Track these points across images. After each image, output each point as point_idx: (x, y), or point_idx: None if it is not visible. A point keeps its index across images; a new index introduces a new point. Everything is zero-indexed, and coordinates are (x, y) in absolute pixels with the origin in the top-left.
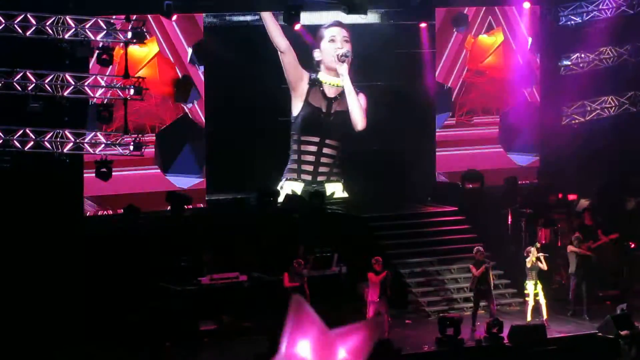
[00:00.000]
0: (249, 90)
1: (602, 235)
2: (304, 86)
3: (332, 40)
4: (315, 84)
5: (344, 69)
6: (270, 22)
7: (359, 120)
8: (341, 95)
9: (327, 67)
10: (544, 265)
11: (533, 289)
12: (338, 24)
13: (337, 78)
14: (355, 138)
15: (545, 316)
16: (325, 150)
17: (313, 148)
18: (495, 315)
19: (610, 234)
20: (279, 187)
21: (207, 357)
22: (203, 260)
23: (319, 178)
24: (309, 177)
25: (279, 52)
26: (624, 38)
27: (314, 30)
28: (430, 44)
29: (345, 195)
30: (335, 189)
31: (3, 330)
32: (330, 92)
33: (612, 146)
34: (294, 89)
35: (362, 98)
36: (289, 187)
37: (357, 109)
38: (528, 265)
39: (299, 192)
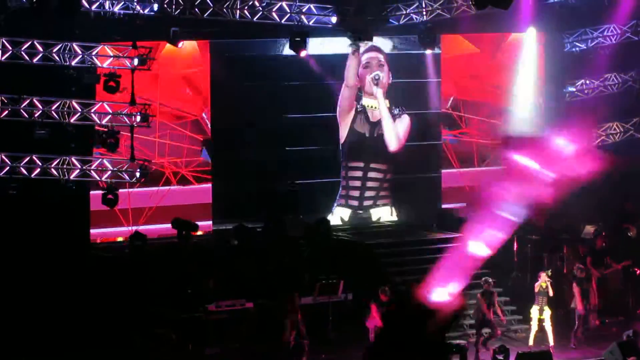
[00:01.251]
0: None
1: (614, 263)
2: (351, 114)
3: (367, 66)
4: (359, 110)
5: (377, 91)
6: (353, 59)
7: (390, 141)
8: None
9: (365, 92)
10: (550, 292)
11: (538, 314)
12: (373, 48)
13: (375, 101)
14: (399, 160)
15: (551, 342)
16: (371, 174)
17: (359, 173)
18: (499, 337)
19: (622, 262)
20: (330, 214)
21: None
22: (208, 287)
23: (366, 202)
24: (355, 203)
25: (343, 85)
26: (628, 64)
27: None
28: (435, 72)
29: (395, 218)
30: (382, 214)
31: (8, 353)
32: (373, 117)
33: (616, 172)
34: (343, 119)
35: (405, 119)
36: (338, 213)
37: (389, 130)
38: (536, 289)
39: (346, 219)
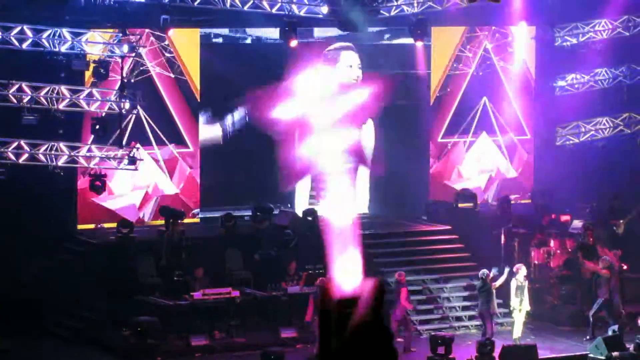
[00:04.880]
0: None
1: (608, 252)
2: None
3: (351, 66)
4: None
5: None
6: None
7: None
8: None
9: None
10: (526, 285)
11: (518, 304)
12: (351, 48)
13: None
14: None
15: (518, 334)
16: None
17: None
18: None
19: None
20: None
21: None
22: (195, 276)
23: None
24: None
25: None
26: (619, 60)
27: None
28: (426, 64)
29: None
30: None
31: None
32: None
33: (605, 167)
34: None
35: (370, 127)
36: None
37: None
38: (518, 283)
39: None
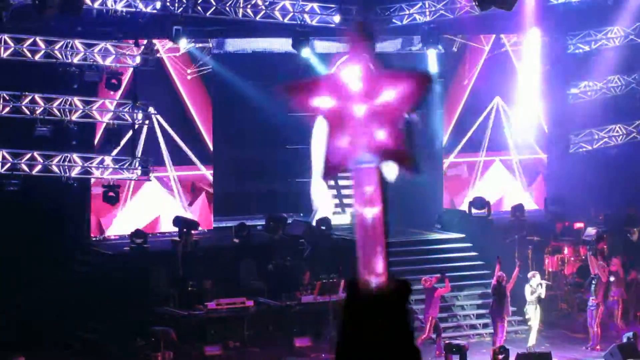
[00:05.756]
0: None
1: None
2: None
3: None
4: None
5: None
6: None
7: None
8: None
9: None
10: (543, 292)
11: (534, 312)
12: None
13: None
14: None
15: (533, 342)
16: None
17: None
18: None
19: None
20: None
21: None
22: (204, 288)
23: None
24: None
25: None
26: (632, 67)
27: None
28: (438, 71)
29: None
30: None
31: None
32: None
33: (618, 174)
34: None
35: None
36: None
37: None
38: (532, 289)
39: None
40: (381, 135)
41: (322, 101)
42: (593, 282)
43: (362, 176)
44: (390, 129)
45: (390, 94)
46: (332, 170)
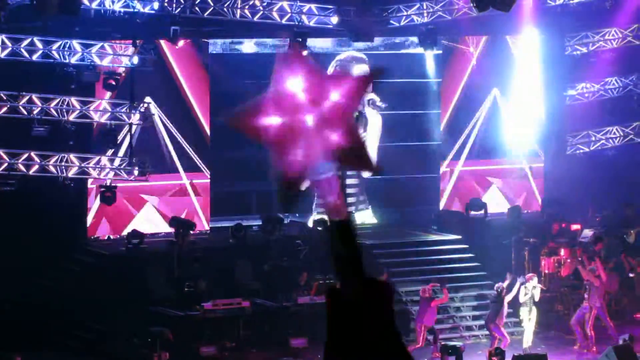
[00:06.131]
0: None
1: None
2: None
3: None
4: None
5: (371, 114)
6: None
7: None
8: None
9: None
10: (537, 295)
11: (527, 314)
12: (364, 61)
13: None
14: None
15: (529, 343)
16: (349, 181)
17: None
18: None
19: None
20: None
21: None
22: (200, 288)
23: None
24: None
25: None
26: (629, 68)
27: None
28: (436, 73)
29: (375, 221)
30: (365, 217)
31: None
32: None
33: (615, 176)
34: None
35: (378, 119)
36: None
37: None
38: (527, 291)
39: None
40: (334, 137)
41: (271, 120)
42: (586, 286)
43: (323, 186)
44: (343, 128)
45: (336, 95)
46: (291, 186)
